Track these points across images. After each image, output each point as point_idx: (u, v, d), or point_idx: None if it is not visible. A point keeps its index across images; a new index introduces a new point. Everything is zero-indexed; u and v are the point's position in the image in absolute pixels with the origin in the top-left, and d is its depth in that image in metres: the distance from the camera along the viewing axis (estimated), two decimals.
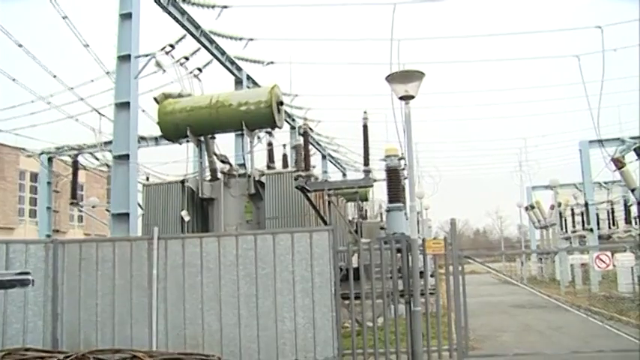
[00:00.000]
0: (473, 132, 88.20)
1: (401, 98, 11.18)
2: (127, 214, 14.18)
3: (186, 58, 16.33)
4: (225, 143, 18.94)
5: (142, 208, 16.28)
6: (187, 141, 16.02)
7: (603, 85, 16.93)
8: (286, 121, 24.46)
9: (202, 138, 15.64)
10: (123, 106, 14.67)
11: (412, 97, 11.07)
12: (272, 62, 21.81)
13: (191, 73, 16.61)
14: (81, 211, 28.33)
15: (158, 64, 15.60)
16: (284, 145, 22.67)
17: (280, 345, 11.03)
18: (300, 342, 11.00)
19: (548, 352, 11.59)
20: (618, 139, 29.06)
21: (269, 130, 16.82)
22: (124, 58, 14.78)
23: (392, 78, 11.15)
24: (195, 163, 17.80)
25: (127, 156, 14.43)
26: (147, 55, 15.03)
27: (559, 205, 36.01)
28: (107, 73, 15.97)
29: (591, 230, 31.06)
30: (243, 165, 17.48)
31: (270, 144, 19.62)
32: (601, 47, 16.91)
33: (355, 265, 12.01)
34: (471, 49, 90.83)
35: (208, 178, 16.09)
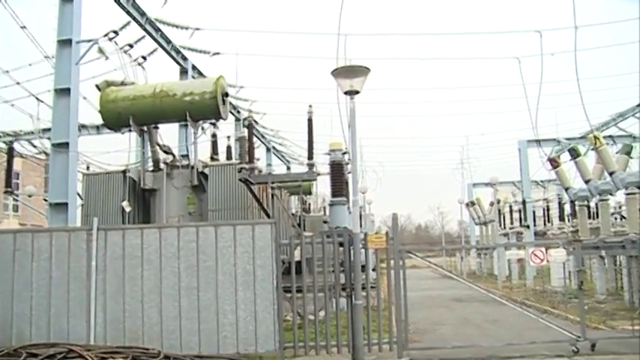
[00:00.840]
0: (417, 128, 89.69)
1: (346, 93, 11.27)
2: (66, 204, 13.82)
3: (131, 46, 15.99)
4: (168, 133, 18.70)
5: (81, 198, 15.89)
6: (130, 130, 15.69)
7: (541, 87, 17.50)
8: (231, 113, 24.31)
9: (145, 128, 15.38)
10: (63, 92, 14.25)
11: (357, 92, 11.18)
12: (218, 53, 21.60)
13: (135, 61, 16.28)
14: (16, 200, 27.46)
15: (101, 51, 15.23)
16: (228, 137, 22.49)
17: (221, 338, 10.98)
18: (242, 335, 10.98)
19: (484, 344, 11.91)
20: (554, 139, 30.08)
21: (213, 121, 16.66)
22: (65, 43, 14.35)
23: (337, 73, 11.22)
24: (138, 153, 17.45)
25: (67, 144, 14.04)
26: (89, 41, 14.63)
27: (498, 202, 36.97)
28: (46, 57, 15.49)
29: (528, 227, 32.01)
30: (186, 156, 17.28)
31: (214, 135, 19.46)
32: (540, 51, 17.44)
33: (297, 258, 12.04)
34: (417, 47, 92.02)
35: (151, 168, 15.84)
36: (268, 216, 14.86)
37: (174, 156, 16.01)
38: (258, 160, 17.08)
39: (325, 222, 19.46)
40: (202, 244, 11.22)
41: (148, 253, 11.24)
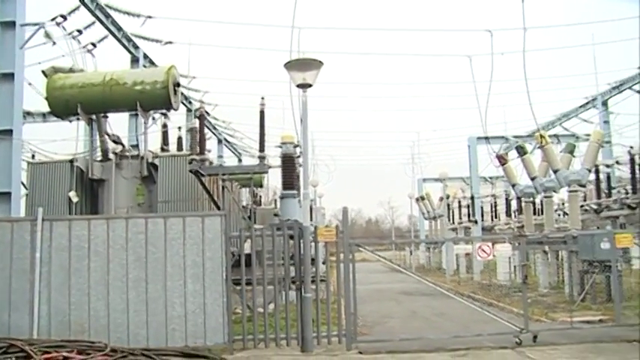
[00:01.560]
0: (368, 123, 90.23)
1: (298, 86, 11.29)
2: (9, 194, 13.48)
3: (80, 32, 15.63)
4: (118, 123, 18.36)
5: (25, 188, 15.47)
6: (78, 119, 15.32)
7: (491, 85, 17.87)
8: (182, 104, 24.03)
9: (94, 116, 15.04)
10: (6, 77, 13.87)
11: (310, 85, 11.23)
12: (170, 42, 21.29)
13: (84, 47, 15.92)
14: None
15: (47, 35, 14.83)
16: (179, 128, 22.21)
17: (170, 331, 10.89)
18: (191, 328, 10.92)
19: (432, 336, 12.11)
20: (503, 137, 30.76)
21: (164, 111, 16.46)
22: (8, 25, 13.94)
23: (290, 65, 11.24)
24: (86, 142, 17.08)
25: (10, 131, 13.68)
26: (35, 24, 14.24)
27: (447, 197, 37.54)
28: None
29: (476, 222, 32.68)
30: (136, 146, 17.02)
31: (165, 126, 19.19)
32: (490, 50, 17.79)
33: (248, 251, 12.02)
34: (371, 43, 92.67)
35: (99, 158, 15.52)
36: (218, 208, 14.77)
37: (123, 146, 15.73)
38: (209, 151, 16.94)
39: (276, 215, 19.43)
40: (151, 235, 11.09)
41: (96, 244, 11.05)
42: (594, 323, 13.15)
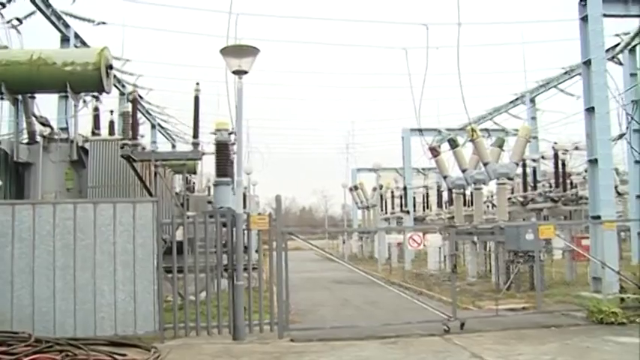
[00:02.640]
0: (305, 112, 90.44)
1: (234, 72, 11.21)
2: None
3: (3, 5, 14.94)
4: (47, 104, 17.73)
5: None
6: (2, 98, 14.69)
7: (426, 78, 18.23)
8: (115, 87, 23.38)
9: (20, 96, 14.45)
10: None
11: (245, 72, 11.18)
12: (103, 22, 20.71)
13: (8, 22, 15.24)
14: None
15: None
16: (111, 112, 21.59)
17: (99, 319, 10.65)
18: (120, 316, 10.71)
19: (363, 324, 12.30)
20: (436, 129, 31.39)
21: (96, 94, 15.97)
22: None
23: (226, 51, 11.14)
24: (11, 123, 16.39)
25: None
26: None
27: (381, 187, 38.07)
28: None
29: (408, 212, 33.26)
30: (65, 129, 16.44)
31: (96, 109, 18.64)
32: (426, 43, 18.13)
33: (180, 238, 11.88)
34: (309, 31, 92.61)
35: (25, 140, 14.94)
36: (151, 194, 14.50)
37: (52, 128, 15.18)
38: (142, 136, 16.61)
39: (209, 202, 19.21)
40: (80, 221, 10.80)
41: (20, 230, 10.67)
42: (518, 311, 13.65)
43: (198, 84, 14.06)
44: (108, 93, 15.40)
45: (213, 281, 11.81)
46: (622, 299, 13.37)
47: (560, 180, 21.94)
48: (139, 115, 14.87)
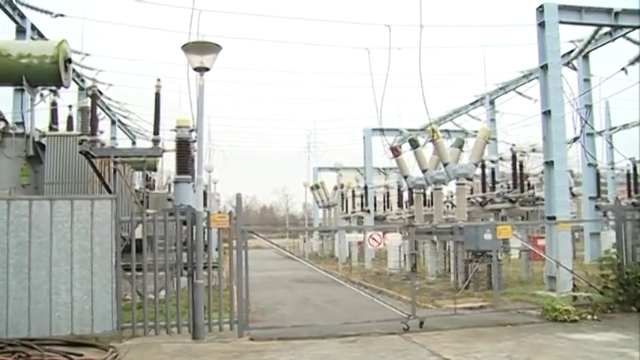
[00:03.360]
0: (267, 110, 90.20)
1: (196, 69, 11.12)
2: None
3: None
4: (1, 98, 17.31)
5: None
6: None
7: (388, 79, 18.37)
8: (74, 81, 22.95)
9: None
10: None
11: (207, 69, 11.11)
12: (62, 15, 20.27)
13: None
14: None
15: None
16: (70, 107, 21.18)
17: (55, 319, 10.43)
18: (77, 315, 10.52)
19: (323, 323, 12.33)
20: (397, 129, 31.66)
21: (54, 88, 15.64)
22: None
23: (188, 48, 11.05)
24: None
25: None
26: None
27: (342, 186, 38.17)
28: None
29: (368, 211, 33.44)
30: (21, 124, 16.08)
31: (54, 104, 18.29)
32: (388, 44, 18.26)
33: (139, 236, 11.73)
34: (271, 30, 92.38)
35: None
36: (110, 191, 14.28)
37: (6, 123, 14.82)
38: (101, 132, 16.29)
39: (170, 200, 19.04)
40: (36, 218, 10.56)
41: None
42: (476, 309, 13.88)
43: (159, 80, 13.90)
44: (66, 87, 15.13)
45: (173, 280, 11.69)
46: (575, 297, 13.76)
47: (518, 181, 22.38)
48: (99, 110, 14.63)
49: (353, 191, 41.52)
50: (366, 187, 34.20)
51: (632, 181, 27.97)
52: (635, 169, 27.75)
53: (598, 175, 26.58)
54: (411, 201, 28.96)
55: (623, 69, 23.74)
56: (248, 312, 11.81)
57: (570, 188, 23.46)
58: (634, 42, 22.71)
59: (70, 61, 14.37)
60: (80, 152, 13.57)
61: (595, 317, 12.38)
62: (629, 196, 27.12)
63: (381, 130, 25.06)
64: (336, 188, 38.72)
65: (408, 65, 18.92)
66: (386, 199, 41.52)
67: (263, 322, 12.94)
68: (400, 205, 36.35)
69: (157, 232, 11.37)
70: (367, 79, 18.86)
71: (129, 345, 10.41)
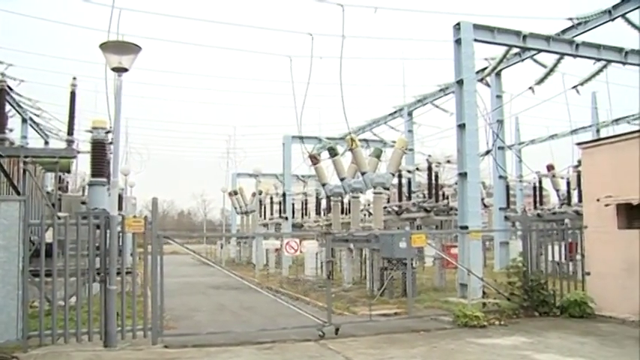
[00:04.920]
0: (186, 114, 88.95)
1: (114, 69, 10.86)
2: None
3: None
4: None
5: None
6: None
7: (309, 87, 18.55)
8: None
9: None
10: None
11: (126, 69, 10.87)
12: None
13: None
14: None
15: None
16: None
17: None
18: None
19: (238, 330, 12.25)
20: (317, 137, 31.98)
21: None
22: None
23: (106, 47, 10.78)
24: None
25: None
26: None
27: (260, 193, 38.12)
28: None
29: (286, 218, 33.54)
30: None
31: None
32: (310, 52, 18.44)
33: (50, 240, 11.29)
34: (193, 33, 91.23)
35: None
36: (18, 193, 13.69)
37: None
38: (10, 130, 15.66)
39: (84, 203, 18.45)
40: None
41: None
42: (390, 316, 14.16)
43: (75, 78, 13.52)
44: None
45: (85, 285, 11.31)
46: (484, 304, 14.33)
47: (433, 191, 23.06)
48: (8, 107, 13.95)
49: (271, 198, 41.56)
50: (284, 194, 34.30)
51: (537, 193, 29.46)
52: (540, 182, 29.25)
53: (508, 187, 27.85)
54: (328, 209, 29.25)
55: (530, 88, 25.07)
56: (162, 319, 11.57)
57: (482, 199, 24.41)
58: (540, 64, 24.07)
59: None
60: None
61: (502, 322, 12.93)
62: (535, 207, 28.54)
63: (301, 137, 25.27)
64: (254, 195, 38.63)
65: (329, 74, 19.19)
66: (304, 206, 41.79)
67: (178, 329, 12.73)
68: (318, 212, 36.65)
69: (68, 236, 10.98)
70: (288, 87, 18.95)
71: (35, 354, 9.97)
